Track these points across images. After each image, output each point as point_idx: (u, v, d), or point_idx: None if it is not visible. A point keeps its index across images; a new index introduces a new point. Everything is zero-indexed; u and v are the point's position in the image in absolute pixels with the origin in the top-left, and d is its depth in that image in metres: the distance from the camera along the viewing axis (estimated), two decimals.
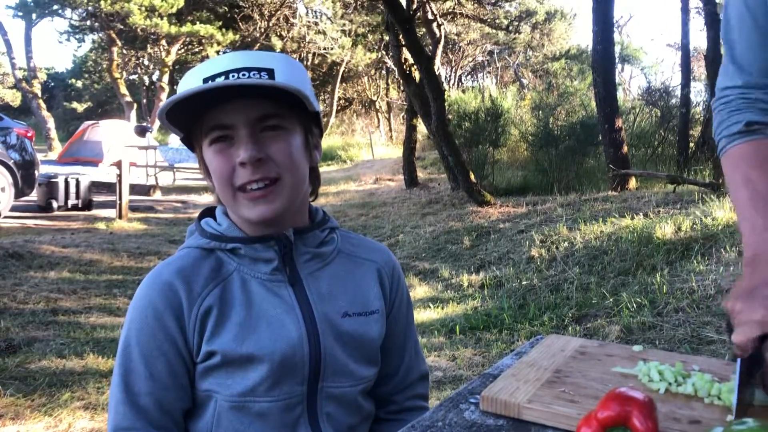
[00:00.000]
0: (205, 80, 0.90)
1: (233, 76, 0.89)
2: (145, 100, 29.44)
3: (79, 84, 35.73)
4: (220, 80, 0.89)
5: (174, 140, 15.73)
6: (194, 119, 0.94)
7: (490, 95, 12.25)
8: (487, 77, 28.13)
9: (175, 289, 0.93)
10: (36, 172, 8.36)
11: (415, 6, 10.61)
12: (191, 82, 0.92)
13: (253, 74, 0.90)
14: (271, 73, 0.90)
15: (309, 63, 23.14)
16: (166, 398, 0.93)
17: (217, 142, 0.93)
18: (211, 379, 0.94)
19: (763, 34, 0.99)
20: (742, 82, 1.03)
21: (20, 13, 21.44)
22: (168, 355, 0.93)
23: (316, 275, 0.99)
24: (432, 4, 12.87)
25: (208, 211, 1.06)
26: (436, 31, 12.88)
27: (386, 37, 14.26)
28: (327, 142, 19.15)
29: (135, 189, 10.56)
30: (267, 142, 0.93)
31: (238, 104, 0.91)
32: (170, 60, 22.36)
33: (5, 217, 7.99)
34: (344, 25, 20.86)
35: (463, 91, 13.84)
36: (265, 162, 0.92)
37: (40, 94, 22.09)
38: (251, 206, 0.93)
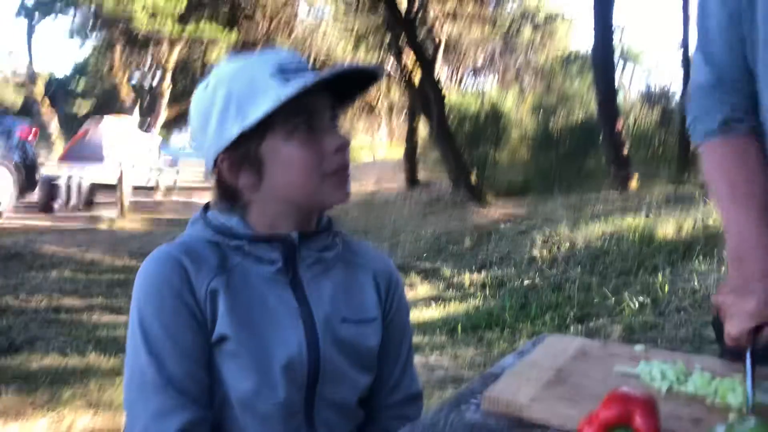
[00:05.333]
0: (280, 71, 0.90)
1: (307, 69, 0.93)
2: (146, 102, 29.47)
3: (81, 85, 35.78)
4: (306, 75, 0.90)
5: (175, 140, 15.71)
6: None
7: (491, 98, 12.25)
8: (487, 78, 28.13)
9: (184, 265, 0.90)
10: (38, 172, 8.38)
11: (416, 7, 10.62)
12: (259, 77, 0.90)
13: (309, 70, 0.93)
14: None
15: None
16: (201, 376, 0.90)
17: (297, 132, 0.91)
18: (218, 371, 0.92)
19: (736, 28, 0.99)
20: (714, 77, 1.03)
21: (22, 15, 21.49)
22: (193, 329, 0.90)
23: (318, 280, 0.97)
24: (433, 6, 12.87)
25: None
26: (437, 32, 12.89)
27: (387, 39, 14.25)
28: None
29: (136, 189, 10.57)
30: None
31: (314, 94, 0.91)
32: (172, 62, 22.38)
33: (7, 217, 8.00)
34: (344, 26, 20.87)
35: (463, 95, 13.84)
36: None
37: (41, 95, 22.11)
38: (340, 187, 0.95)
